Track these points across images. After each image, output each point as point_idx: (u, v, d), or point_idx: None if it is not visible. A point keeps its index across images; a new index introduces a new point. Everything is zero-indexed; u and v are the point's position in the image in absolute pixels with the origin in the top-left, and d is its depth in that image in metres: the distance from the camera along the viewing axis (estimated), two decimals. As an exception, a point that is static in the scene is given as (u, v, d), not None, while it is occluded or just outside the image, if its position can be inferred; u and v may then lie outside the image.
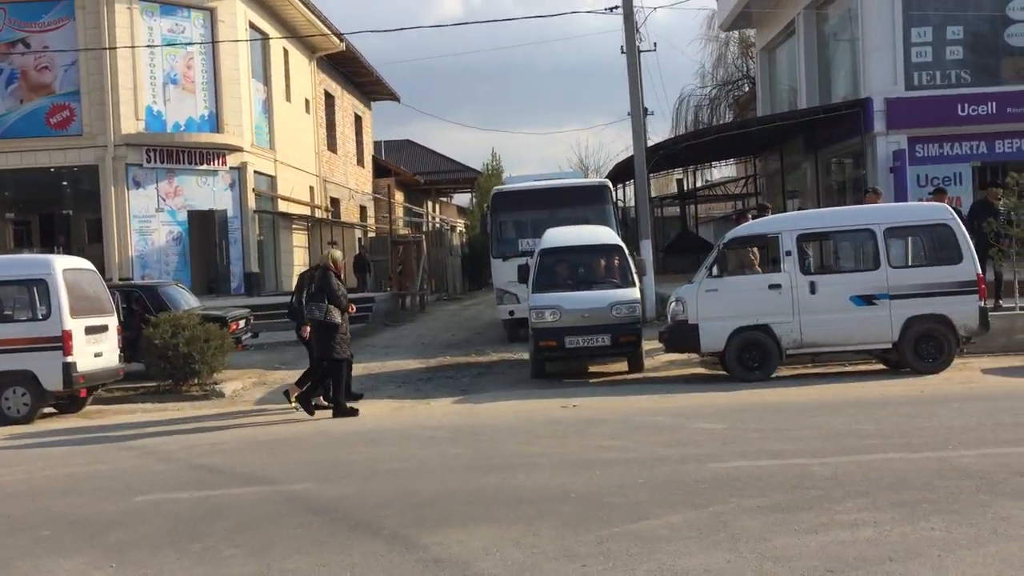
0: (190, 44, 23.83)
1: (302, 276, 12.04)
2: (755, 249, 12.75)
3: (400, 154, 46.22)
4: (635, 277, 13.42)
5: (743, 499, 5.88)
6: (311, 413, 10.73)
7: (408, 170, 42.82)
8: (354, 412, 10.73)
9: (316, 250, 29.61)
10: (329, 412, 10.80)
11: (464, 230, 48.05)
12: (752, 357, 11.59)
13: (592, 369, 13.65)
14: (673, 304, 12.23)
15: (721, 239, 12.67)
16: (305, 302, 10.98)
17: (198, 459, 8.53)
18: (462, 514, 5.98)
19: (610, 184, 19.06)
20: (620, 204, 26.06)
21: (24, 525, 6.40)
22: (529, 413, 10.14)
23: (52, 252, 21.66)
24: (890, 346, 11.53)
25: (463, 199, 55.11)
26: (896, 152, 19.48)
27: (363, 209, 37.94)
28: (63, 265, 12.09)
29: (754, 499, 5.87)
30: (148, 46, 22.86)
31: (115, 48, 22.05)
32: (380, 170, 40.28)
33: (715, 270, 11.86)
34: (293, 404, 10.89)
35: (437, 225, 45.99)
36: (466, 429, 9.39)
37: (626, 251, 13.78)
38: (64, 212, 24.78)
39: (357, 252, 30.91)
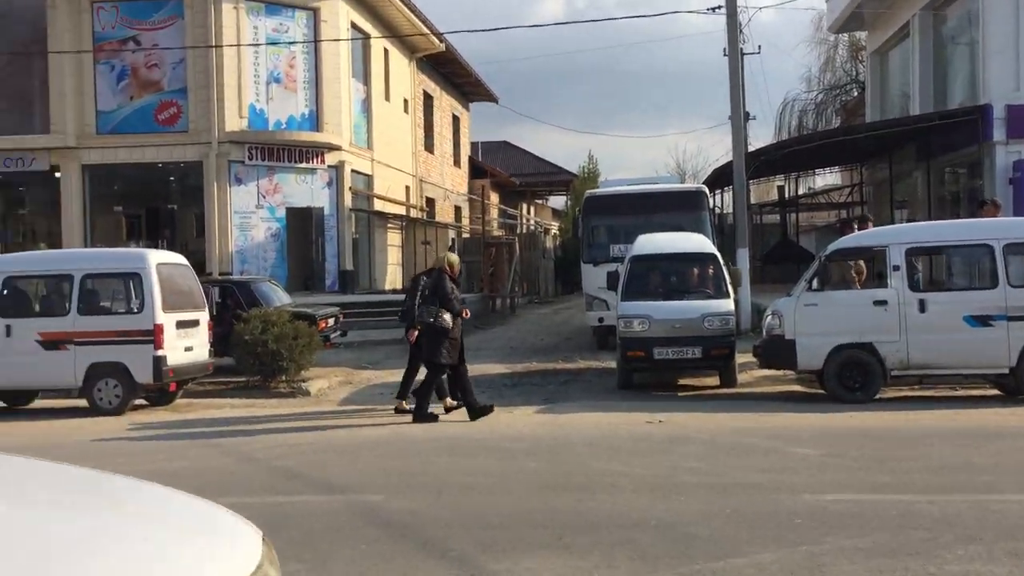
0: (293, 43, 24.18)
1: (415, 278, 11.68)
2: (860, 262, 12.09)
3: (496, 155, 46.25)
4: (729, 288, 12.89)
5: (840, 538, 5.41)
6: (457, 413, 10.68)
7: (504, 171, 42.79)
8: (434, 418, 10.54)
9: (410, 250, 29.78)
10: (449, 414, 10.76)
11: (558, 233, 47.76)
12: (853, 377, 10.95)
13: (682, 381, 13.17)
14: (769, 318, 11.67)
15: (823, 251, 12.06)
16: (418, 305, 10.74)
17: (277, 461, 8.45)
18: (534, 538, 5.67)
19: (706, 190, 18.49)
20: (717, 211, 25.36)
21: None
22: (613, 427, 9.78)
23: (157, 246, 22.34)
24: (1007, 371, 10.74)
25: (558, 202, 54.86)
26: (1017, 163, 18.32)
27: (458, 209, 38.04)
28: (157, 259, 12.29)
29: (853, 539, 5.39)
30: (252, 44, 23.28)
31: (221, 46, 22.52)
32: (476, 171, 40.34)
33: (815, 283, 11.26)
34: (445, 410, 10.86)
35: (531, 227, 45.79)
36: (547, 441, 9.08)
37: (721, 260, 13.26)
38: (169, 206, 25.45)
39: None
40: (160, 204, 25.57)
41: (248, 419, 11.16)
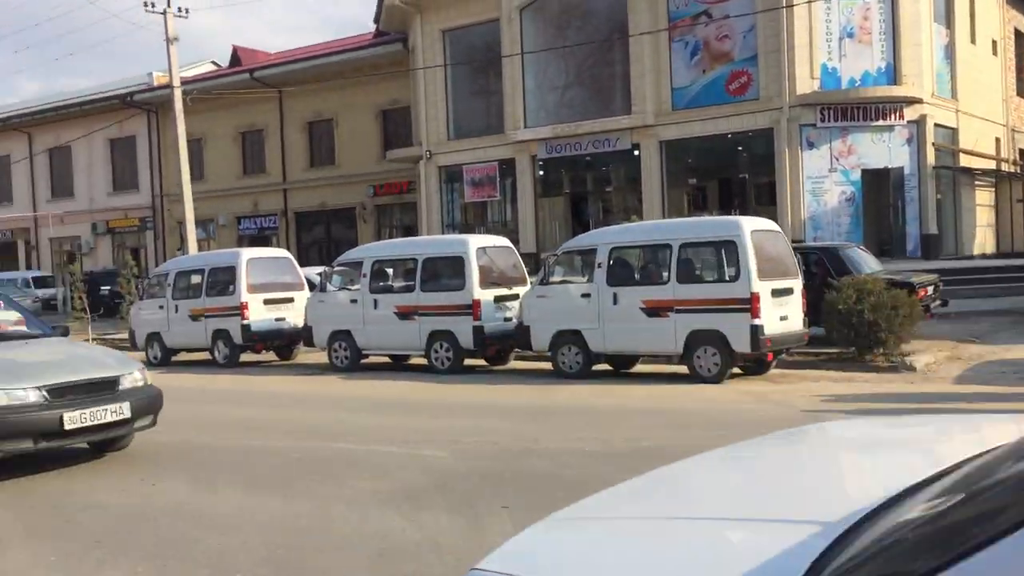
0: (868, -7, 22.58)
1: None
2: None
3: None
4: None
5: None
6: None
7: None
8: None
9: (1004, 210, 26.29)
10: None
11: None
12: None
13: None
14: None
15: None
16: None
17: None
18: None
19: None
20: None
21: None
22: None
23: (730, 215, 22.51)
24: None
25: None
26: None
27: (1058, 161, 32.68)
28: (751, 227, 12.04)
29: None
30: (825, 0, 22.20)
31: (792, 6, 21.82)
32: (1082, 114, 34.23)
33: None
34: None
35: None
36: None
37: None
38: (740, 176, 25.55)
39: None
40: (731, 174, 25.81)
41: (858, 397, 10.31)
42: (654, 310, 12.22)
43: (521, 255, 16.18)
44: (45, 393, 7.52)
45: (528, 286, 14.33)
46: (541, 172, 26.86)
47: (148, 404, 8.24)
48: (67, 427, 7.50)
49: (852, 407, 9.53)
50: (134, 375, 8.23)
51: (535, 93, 26.28)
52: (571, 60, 25.82)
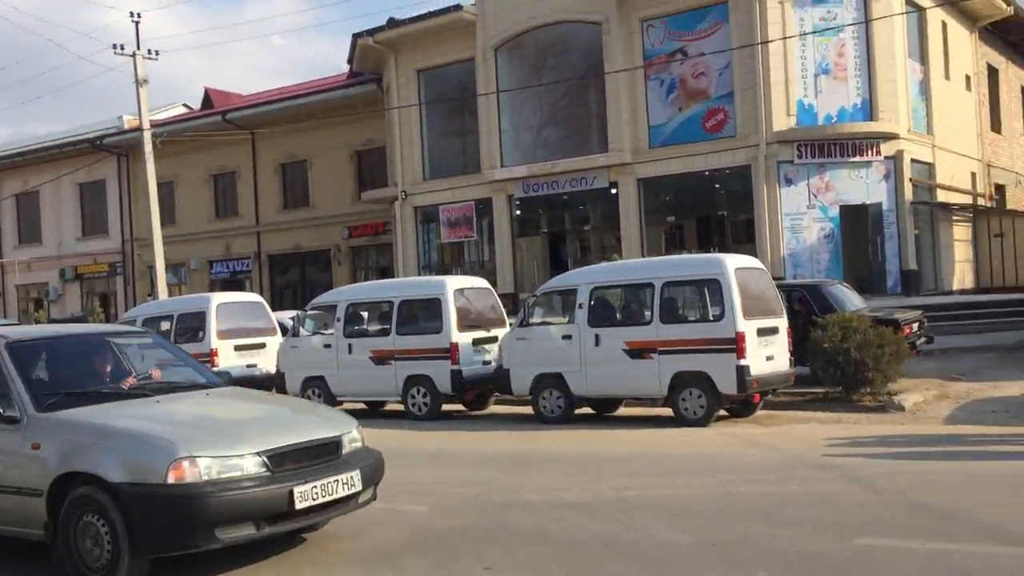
0: (841, 29, 22.64)
1: None
2: None
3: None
4: None
5: None
6: None
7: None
8: None
9: (982, 244, 26.32)
10: None
11: None
12: None
13: None
14: None
15: None
16: None
17: (909, 493, 7.17)
18: None
19: None
20: None
21: (738, 559, 5.69)
22: None
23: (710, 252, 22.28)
24: None
25: None
26: None
27: (1033, 195, 32.89)
28: (735, 264, 11.76)
29: None
30: (800, 35, 22.23)
31: (767, 42, 21.82)
32: (1053, 149, 34.57)
33: None
34: None
35: None
36: None
37: None
38: (719, 214, 25.38)
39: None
40: (709, 211, 25.65)
41: (846, 441, 9.92)
42: (637, 351, 11.87)
43: (499, 296, 15.82)
44: (265, 460, 5.71)
45: (507, 328, 13.95)
46: (518, 211, 26.59)
47: (374, 472, 6.43)
48: (298, 506, 5.71)
49: (849, 451, 9.17)
50: (352, 434, 6.44)
51: (511, 132, 26.09)
52: (547, 99, 25.70)
